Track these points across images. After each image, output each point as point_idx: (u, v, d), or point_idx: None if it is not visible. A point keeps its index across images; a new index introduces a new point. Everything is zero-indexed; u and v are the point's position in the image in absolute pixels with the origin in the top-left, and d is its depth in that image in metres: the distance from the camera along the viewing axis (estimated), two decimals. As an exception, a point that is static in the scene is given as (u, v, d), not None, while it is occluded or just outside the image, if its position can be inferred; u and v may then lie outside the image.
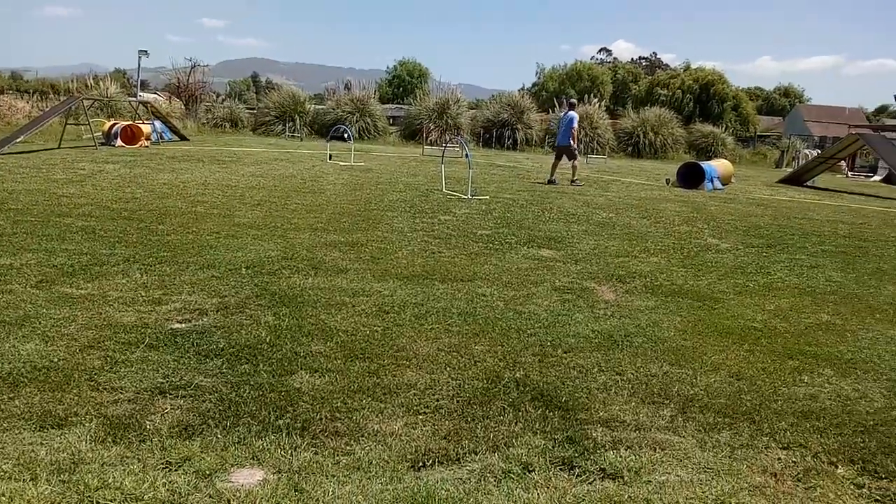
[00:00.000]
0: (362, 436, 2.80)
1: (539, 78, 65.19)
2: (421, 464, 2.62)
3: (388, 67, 63.79)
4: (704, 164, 16.12)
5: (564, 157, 14.95)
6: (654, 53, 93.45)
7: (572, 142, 14.59)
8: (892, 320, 5.02)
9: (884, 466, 2.83)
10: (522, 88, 53.50)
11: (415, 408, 3.08)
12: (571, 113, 14.80)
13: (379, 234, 7.05)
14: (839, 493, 2.62)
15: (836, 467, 2.81)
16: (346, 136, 20.48)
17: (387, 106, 36.67)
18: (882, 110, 79.68)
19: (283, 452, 2.63)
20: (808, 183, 19.87)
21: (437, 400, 3.17)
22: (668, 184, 15.79)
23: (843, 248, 8.13)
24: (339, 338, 3.88)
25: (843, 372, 3.89)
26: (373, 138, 28.72)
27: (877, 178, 25.80)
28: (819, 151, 27.42)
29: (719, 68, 56.48)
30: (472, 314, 4.48)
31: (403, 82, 57.39)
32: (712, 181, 15.39)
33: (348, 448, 2.70)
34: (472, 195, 10.42)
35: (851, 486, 2.68)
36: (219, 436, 2.71)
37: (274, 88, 34.04)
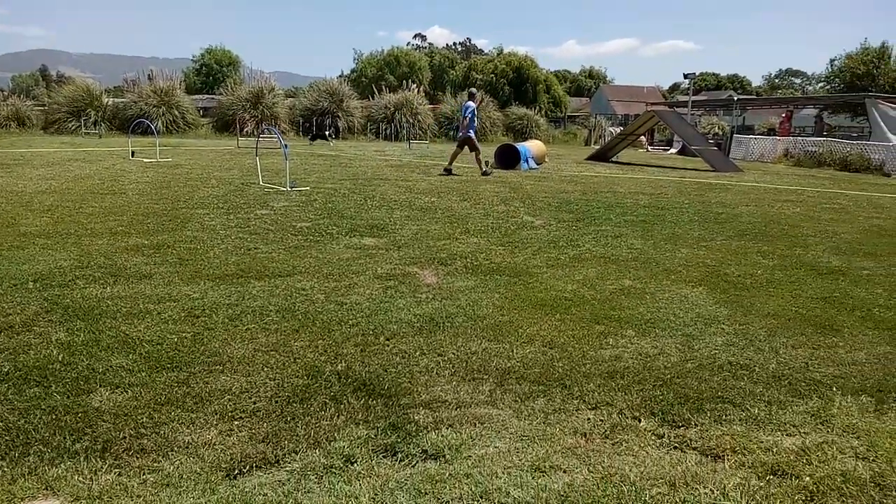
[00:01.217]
0: (172, 450, 2.61)
1: (357, 64, 64.98)
2: (237, 471, 2.49)
3: (194, 56, 60.91)
4: (520, 146, 16.86)
5: (468, 148, 14.68)
6: (469, 39, 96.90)
7: (462, 131, 14.33)
8: (685, 280, 5.50)
9: (680, 415, 3.08)
10: (341, 75, 53.18)
11: (230, 414, 2.92)
12: (468, 103, 14.49)
13: (188, 233, 6.65)
14: (642, 445, 2.81)
15: (639, 421, 3.02)
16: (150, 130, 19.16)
17: (196, 97, 34.89)
18: (675, 88, 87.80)
19: (81, 478, 2.40)
20: (614, 158, 21.40)
21: (255, 403, 3.04)
22: (487, 165, 16.32)
23: (643, 217, 8.81)
24: (143, 349, 3.60)
25: (643, 332, 4.20)
26: (182, 132, 27.16)
27: (673, 150, 28.26)
28: (622, 129, 29.58)
29: (530, 53, 59.42)
30: (291, 310, 4.34)
31: (213, 71, 54.93)
32: (527, 161, 16.13)
33: (156, 465, 2.51)
34: (292, 187, 10.15)
35: (653, 437, 2.89)
36: (5, 468, 2.43)
37: (66, 82, 31.11)
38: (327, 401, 3.08)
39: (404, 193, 10.29)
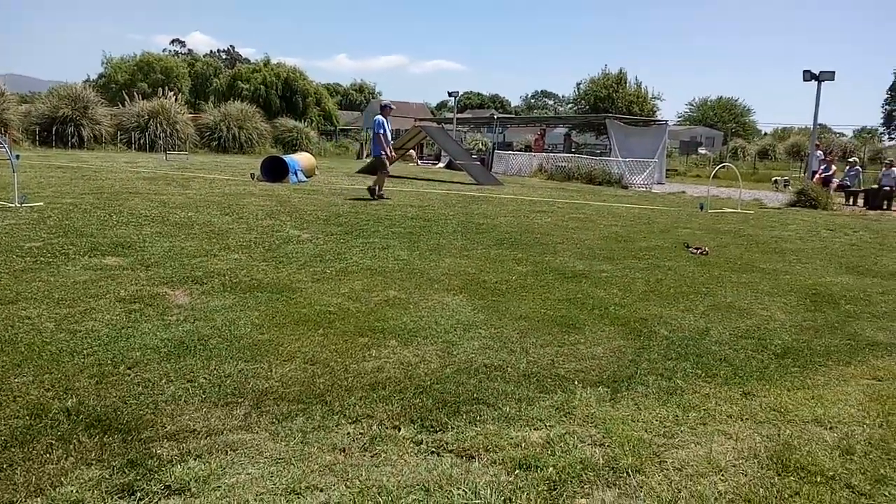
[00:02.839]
0: None
1: (106, 69, 59.65)
2: (-73, 539, 2.09)
3: None
4: (288, 158, 16.51)
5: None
6: (233, 47, 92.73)
7: (383, 151, 12.88)
8: (447, 289, 5.68)
9: (438, 420, 3.14)
10: (88, 80, 48.68)
11: (-75, 470, 2.46)
12: (377, 117, 13.01)
13: None
14: (401, 453, 2.82)
15: (399, 430, 3.03)
16: None
17: None
18: (443, 105, 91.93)
19: None
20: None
21: (-41, 454, 2.58)
22: (253, 178, 15.80)
23: (410, 229, 9.00)
24: None
25: (406, 341, 4.26)
26: None
27: (441, 165, 29.42)
28: (392, 143, 30.10)
29: (300, 65, 58.82)
30: (13, 342, 3.78)
31: (-73, 71, 47.58)
32: (296, 174, 15.85)
33: None
34: (22, 202, 8.97)
35: (411, 444, 2.91)
36: None
37: None
38: (54, 441, 2.71)
39: (157, 208, 9.52)
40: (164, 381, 3.39)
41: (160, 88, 32.77)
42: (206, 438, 2.83)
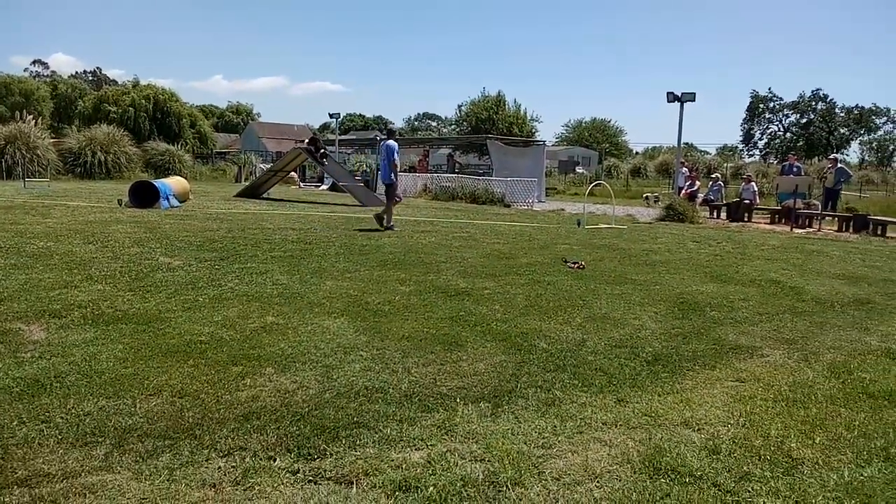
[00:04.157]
0: None
1: (-42, 93, 55.22)
2: None
3: None
4: (158, 182, 15.75)
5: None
6: (99, 69, 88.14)
7: (394, 177, 12.26)
8: (328, 312, 5.56)
9: (316, 447, 3.05)
10: (-64, 104, 44.88)
11: None
12: (389, 142, 12.33)
13: None
14: (276, 485, 2.71)
15: (274, 460, 2.91)
16: None
17: None
18: (326, 127, 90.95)
19: None
20: (265, 195, 21.24)
21: None
22: (121, 205, 14.96)
23: (291, 252, 8.77)
24: None
25: (283, 368, 4.12)
26: None
27: (324, 187, 29.02)
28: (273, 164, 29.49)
29: (173, 86, 56.64)
30: None
31: None
32: (168, 199, 15.15)
33: None
34: None
35: (287, 475, 2.80)
36: None
37: None
38: None
39: (13, 238, 8.80)
40: (15, 423, 3.12)
41: (19, 112, 30.51)
42: (62, 482, 2.61)
